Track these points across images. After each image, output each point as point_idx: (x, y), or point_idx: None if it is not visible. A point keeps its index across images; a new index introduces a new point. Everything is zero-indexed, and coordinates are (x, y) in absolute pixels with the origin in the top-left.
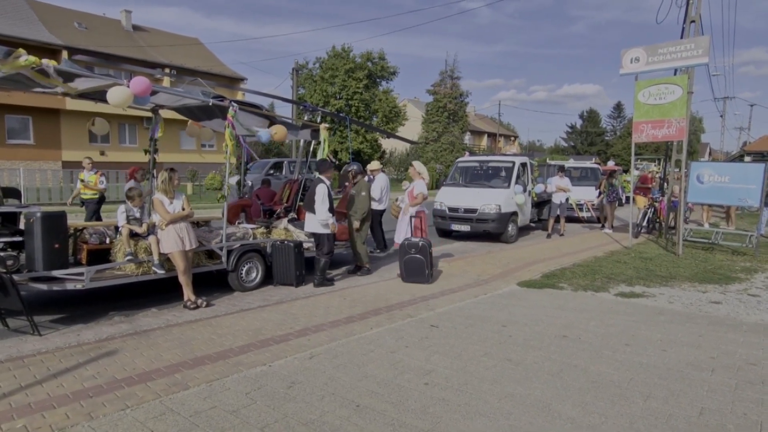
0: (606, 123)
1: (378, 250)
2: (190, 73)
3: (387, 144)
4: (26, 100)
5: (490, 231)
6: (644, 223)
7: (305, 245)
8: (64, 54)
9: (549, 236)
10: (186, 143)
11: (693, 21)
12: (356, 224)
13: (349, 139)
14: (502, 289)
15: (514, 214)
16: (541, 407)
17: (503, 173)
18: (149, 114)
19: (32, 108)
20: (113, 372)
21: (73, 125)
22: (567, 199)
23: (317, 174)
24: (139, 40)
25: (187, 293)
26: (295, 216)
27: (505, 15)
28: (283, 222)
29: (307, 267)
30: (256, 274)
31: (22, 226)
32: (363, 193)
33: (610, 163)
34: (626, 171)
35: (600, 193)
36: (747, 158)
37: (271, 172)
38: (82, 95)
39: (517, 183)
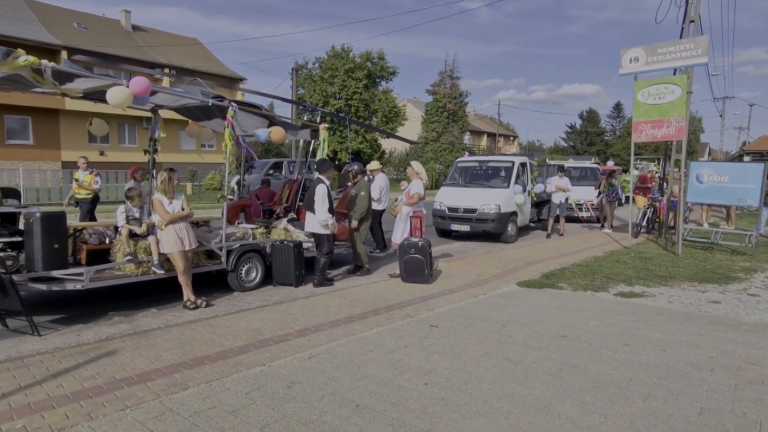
0: (605, 123)
1: (377, 250)
2: (189, 73)
3: (387, 144)
4: (26, 101)
5: (490, 231)
6: (644, 223)
7: (305, 245)
8: (64, 54)
9: (548, 236)
10: (185, 143)
11: (692, 21)
12: (355, 224)
13: (349, 139)
14: (502, 289)
15: (514, 214)
16: (541, 407)
17: (503, 173)
18: (149, 114)
19: (32, 108)
20: (113, 372)
21: (73, 125)
22: (566, 199)
23: (317, 174)
24: (139, 40)
25: (187, 293)
26: (295, 216)
27: (504, 15)
28: (283, 222)
29: (306, 267)
30: (256, 274)
31: (21, 226)
32: (362, 193)
33: (610, 163)
34: (626, 171)
35: (599, 193)
36: (746, 158)
37: (271, 172)
38: (82, 95)
39: (516, 183)
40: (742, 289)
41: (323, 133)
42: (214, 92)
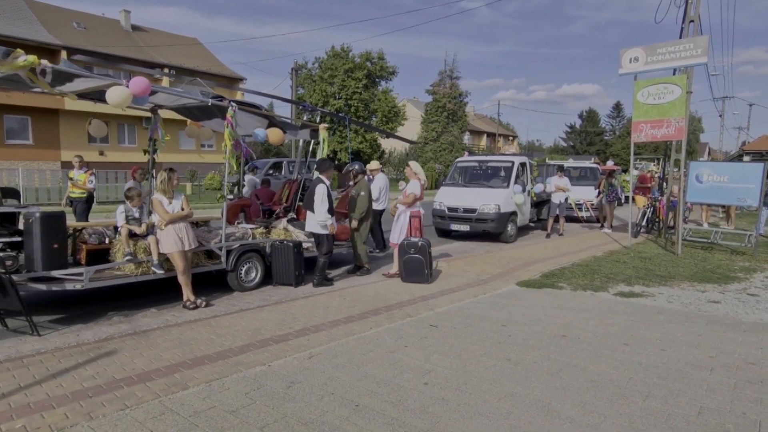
0: (605, 123)
1: (377, 250)
2: (189, 73)
3: (386, 144)
4: (25, 101)
5: (490, 231)
6: (643, 223)
7: (304, 245)
8: (63, 54)
9: (548, 236)
10: (185, 143)
11: (692, 21)
12: (356, 224)
13: (349, 139)
14: (502, 288)
15: (514, 213)
16: (541, 407)
17: (502, 173)
18: (148, 114)
19: (31, 108)
20: (112, 372)
21: (72, 125)
22: (566, 199)
23: (317, 173)
24: (138, 40)
25: (187, 293)
26: (295, 216)
27: (504, 15)
28: (283, 222)
29: (306, 267)
30: (256, 274)
31: (21, 226)
32: (362, 193)
33: (609, 163)
34: (625, 171)
35: (599, 193)
36: (746, 158)
37: (271, 172)
38: (82, 95)
39: (516, 183)
40: (741, 289)
41: (323, 133)
42: (214, 92)
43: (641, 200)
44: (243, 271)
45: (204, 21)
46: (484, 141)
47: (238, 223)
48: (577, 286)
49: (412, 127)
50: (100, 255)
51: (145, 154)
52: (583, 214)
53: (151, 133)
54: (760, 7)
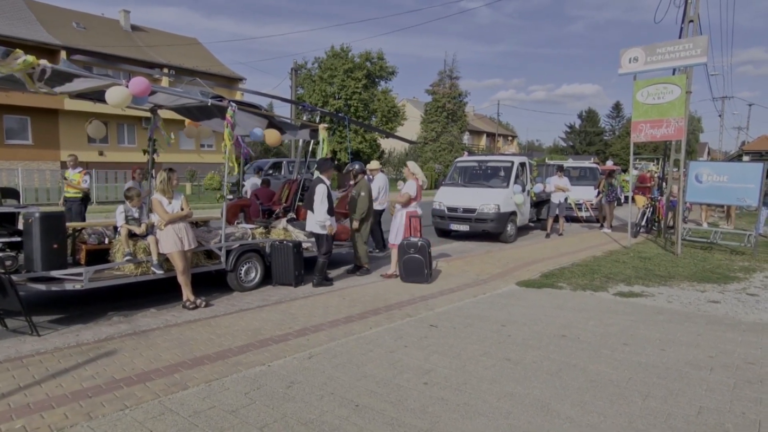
0: (605, 123)
1: (377, 250)
2: (188, 73)
3: (386, 144)
4: (25, 101)
5: (489, 231)
6: (643, 223)
7: (304, 245)
8: (63, 54)
9: (548, 236)
10: (185, 143)
11: (691, 21)
12: (357, 225)
13: (348, 139)
14: (501, 288)
15: (513, 213)
16: (540, 406)
17: (502, 173)
18: (148, 114)
19: (31, 108)
20: (112, 372)
21: (72, 125)
22: (566, 199)
23: (317, 173)
24: (138, 40)
25: (186, 293)
26: (294, 216)
27: (504, 15)
28: (282, 222)
29: (306, 267)
30: (255, 274)
31: (20, 226)
32: (363, 194)
33: (609, 163)
34: (625, 170)
35: (599, 193)
36: (745, 158)
37: (270, 172)
38: (81, 95)
39: (515, 183)
40: (741, 289)
41: (322, 133)
42: (214, 92)
43: (641, 200)
44: (242, 271)
45: (204, 21)
46: (483, 141)
47: (237, 223)
48: (577, 286)
49: (411, 127)
50: (99, 255)
51: (144, 154)
52: (583, 214)
53: (150, 133)
54: (759, 7)
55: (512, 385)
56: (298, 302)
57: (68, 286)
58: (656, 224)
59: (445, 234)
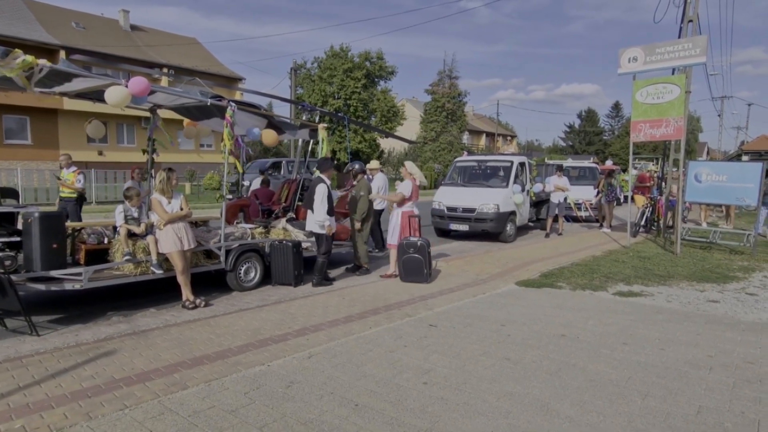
0: (604, 122)
1: (376, 250)
2: (188, 72)
3: (385, 144)
4: (24, 100)
5: (489, 230)
6: (642, 223)
7: (304, 245)
8: (62, 54)
9: (547, 236)
10: (184, 143)
11: (691, 20)
12: (358, 225)
13: (348, 139)
14: (501, 288)
15: (513, 213)
16: (540, 406)
17: (501, 173)
18: (147, 114)
19: (30, 108)
20: (112, 372)
21: (71, 125)
22: (565, 199)
23: (318, 173)
24: (137, 39)
25: (186, 293)
26: (294, 216)
27: (503, 15)
28: (282, 222)
29: (306, 267)
30: (255, 274)
31: (20, 226)
32: (363, 194)
33: (609, 163)
34: (624, 170)
35: (598, 193)
36: (745, 157)
37: (270, 171)
38: (81, 95)
39: (515, 182)
40: (740, 289)
41: (322, 133)
42: (213, 92)
43: (640, 200)
44: (242, 271)
45: (203, 21)
46: (483, 141)
47: (237, 223)
48: (576, 286)
49: (411, 127)
50: (99, 255)
51: (144, 154)
52: (582, 213)
53: (150, 133)
54: (759, 7)
55: (512, 384)
56: (297, 302)
57: (68, 286)
58: (656, 224)
59: (445, 234)
